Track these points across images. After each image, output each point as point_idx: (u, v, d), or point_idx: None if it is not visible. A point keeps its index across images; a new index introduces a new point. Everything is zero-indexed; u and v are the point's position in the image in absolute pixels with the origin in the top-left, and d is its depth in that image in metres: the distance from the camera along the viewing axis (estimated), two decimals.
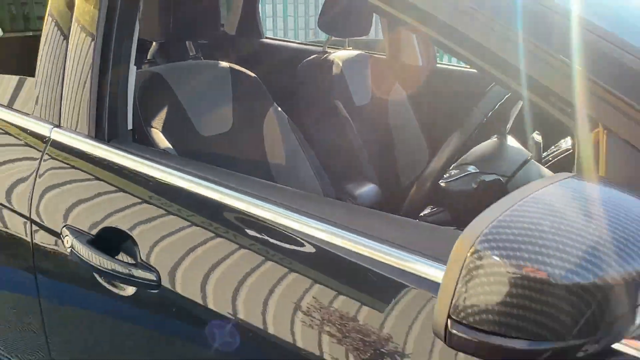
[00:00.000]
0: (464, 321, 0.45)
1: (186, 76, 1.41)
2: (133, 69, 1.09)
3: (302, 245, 0.74)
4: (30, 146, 1.10)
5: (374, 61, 2.11)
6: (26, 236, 1.06)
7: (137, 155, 0.97)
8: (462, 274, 0.45)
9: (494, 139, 1.25)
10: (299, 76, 1.97)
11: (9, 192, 1.10)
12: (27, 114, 1.13)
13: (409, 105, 2.10)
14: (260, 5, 2.66)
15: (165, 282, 0.85)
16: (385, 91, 2.10)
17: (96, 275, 0.93)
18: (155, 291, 0.86)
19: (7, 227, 1.11)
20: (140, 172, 0.95)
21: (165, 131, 1.26)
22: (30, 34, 5.62)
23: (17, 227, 1.08)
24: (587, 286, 0.43)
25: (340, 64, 1.95)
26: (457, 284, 0.45)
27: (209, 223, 0.85)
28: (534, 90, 0.64)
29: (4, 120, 1.18)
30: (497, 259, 0.44)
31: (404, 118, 2.08)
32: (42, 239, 1.03)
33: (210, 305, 0.81)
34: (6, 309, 1.21)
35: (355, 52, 2.06)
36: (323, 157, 1.67)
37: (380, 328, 0.65)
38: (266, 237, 0.78)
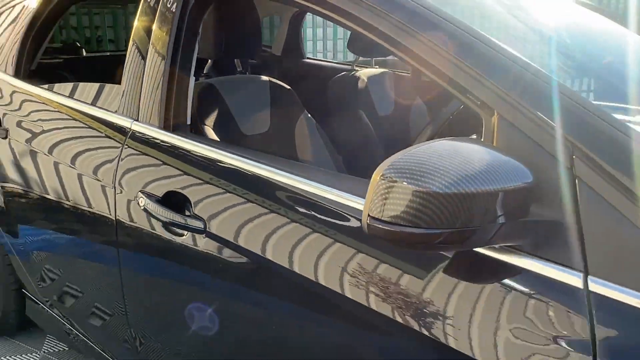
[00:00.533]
0: (379, 218, 0.75)
1: (233, 87, 1.77)
2: (192, 80, 1.45)
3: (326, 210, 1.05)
4: (116, 133, 1.48)
5: (397, 78, 2.43)
6: (110, 201, 1.43)
7: (193, 142, 1.32)
8: (379, 189, 0.75)
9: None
10: (329, 90, 2.31)
11: (98, 167, 1.48)
12: (111, 111, 1.52)
13: (428, 115, 2.40)
14: (302, 29, 3.04)
15: (209, 229, 1.19)
16: (407, 103, 2.41)
17: (161, 225, 1.29)
18: (203, 235, 1.20)
19: (95, 196, 1.49)
20: (194, 153, 1.30)
21: (215, 128, 1.61)
22: (108, 53, 6.25)
23: (104, 194, 1.46)
24: (460, 194, 0.72)
25: (365, 80, 2.28)
26: (374, 196, 0.76)
27: (241, 189, 1.18)
28: (460, 91, 0.94)
29: (94, 116, 1.57)
30: (401, 179, 0.74)
31: (422, 126, 2.37)
32: (122, 202, 1.40)
33: (242, 243, 1.14)
34: (91, 255, 1.60)
35: (380, 70, 2.38)
36: (347, 157, 1.99)
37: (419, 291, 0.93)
38: (289, 201, 1.10)
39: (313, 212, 1.06)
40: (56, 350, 2.24)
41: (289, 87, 1.89)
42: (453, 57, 0.93)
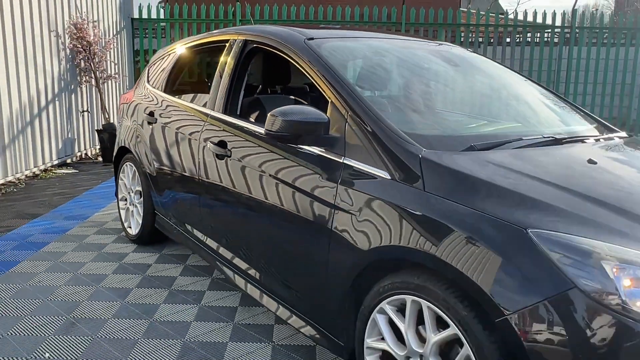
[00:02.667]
0: (269, 130, 2.16)
1: (270, 100, 3.25)
2: (242, 92, 2.95)
3: None
4: (203, 116, 3.02)
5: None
6: (196, 150, 2.97)
7: (233, 119, 2.80)
8: (270, 119, 2.16)
9: None
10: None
11: (193, 133, 3.04)
12: (202, 106, 3.07)
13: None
14: None
15: (231, 155, 2.67)
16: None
17: (214, 155, 2.79)
18: (230, 158, 2.68)
19: (190, 148, 3.05)
20: (233, 124, 2.78)
21: (256, 121, 3.09)
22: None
23: (195, 146, 3.00)
24: (297, 121, 2.11)
25: None
26: (267, 122, 2.17)
27: (244, 139, 2.63)
28: (340, 102, 2.32)
29: (195, 109, 3.14)
30: (277, 115, 2.14)
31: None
32: (201, 147, 2.93)
33: (238, 160, 2.60)
34: (188, 185, 3.17)
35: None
36: None
37: None
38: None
39: (254, 138, 2.48)
40: (174, 251, 3.83)
41: (302, 101, 3.33)
42: (332, 88, 2.33)
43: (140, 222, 3.85)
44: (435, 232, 1.69)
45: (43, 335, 2.63)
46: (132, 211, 4.00)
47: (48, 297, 3.07)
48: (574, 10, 11.55)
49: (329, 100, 2.26)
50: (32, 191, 5.66)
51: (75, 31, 7.28)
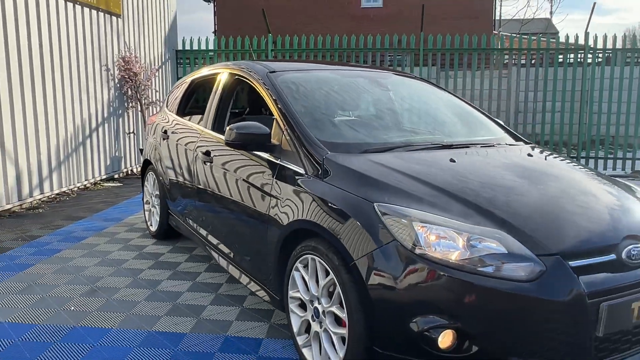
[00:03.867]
0: (228, 140, 2.94)
1: (256, 120, 4.04)
2: (229, 114, 3.77)
3: None
4: (197, 132, 3.85)
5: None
6: (192, 158, 3.80)
7: (217, 134, 3.62)
8: (228, 132, 2.94)
9: None
10: None
11: (189, 143, 3.87)
12: (198, 124, 3.91)
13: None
14: None
15: (213, 162, 3.47)
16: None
17: (202, 161, 3.62)
18: (212, 163, 3.50)
19: (188, 157, 3.89)
20: (215, 137, 3.60)
21: None
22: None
23: (191, 156, 3.84)
24: (246, 134, 2.89)
25: None
26: (226, 134, 2.95)
27: (220, 148, 3.44)
28: (280, 118, 3.10)
29: (194, 127, 3.98)
30: (233, 129, 2.92)
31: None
32: (195, 155, 3.76)
33: (215, 166, 3.40)
34: (189, 187, 4.00)
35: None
36: None
37: None
38: None
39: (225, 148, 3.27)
40: (185, 244, 4.68)
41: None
42: (277, 108, 3.12)
43: (158, 220, 4.72)
44: (323, 209, 2.42)
45: (72, 297, 3.49)
46: (153, 212, 4.88)
47: (80, 273, 3.95)
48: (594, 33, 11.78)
49: (274, 118, 3.03)
50: (81, 200, 6.69)
51: (123, 64, 8.42)
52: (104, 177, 8.03)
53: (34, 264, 4.15)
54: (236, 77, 3.71)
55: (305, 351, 2.59)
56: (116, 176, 8.51)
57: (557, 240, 2.10)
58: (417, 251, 2.08)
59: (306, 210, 2.52)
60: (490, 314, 2.01)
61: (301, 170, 2.69)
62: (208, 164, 3.54)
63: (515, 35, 10.46)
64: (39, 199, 6.44)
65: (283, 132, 2.91)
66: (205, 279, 3.84)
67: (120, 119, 8.61)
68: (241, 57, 10.81)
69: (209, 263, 4.20)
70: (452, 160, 2.66)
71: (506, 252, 2.05)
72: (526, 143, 3.38)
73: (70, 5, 7.07)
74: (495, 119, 3.65)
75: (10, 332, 2.97)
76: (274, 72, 3.40)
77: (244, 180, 3.08)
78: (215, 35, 19.58)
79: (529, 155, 2.99)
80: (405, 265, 2.09)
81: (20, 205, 6.10)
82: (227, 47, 10.70)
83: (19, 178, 6.04)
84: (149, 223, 4.97)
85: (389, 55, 10.41)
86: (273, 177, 2.83)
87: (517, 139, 3.45)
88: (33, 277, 3.84)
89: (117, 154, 8.46)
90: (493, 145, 3.13)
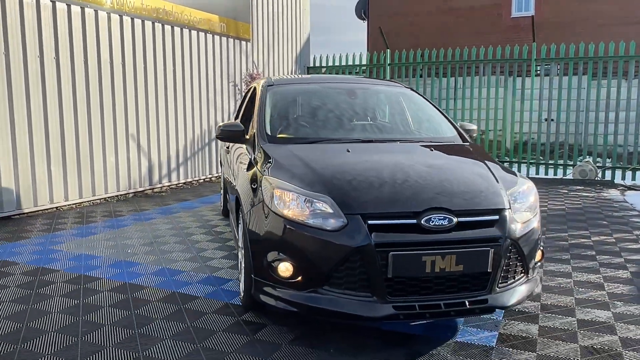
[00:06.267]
0: (217, 135, 4.09)
1: None
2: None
3: None
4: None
5: None
6: (231, 159, 5.03)
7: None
8: (218, 129, 4.10)
9: None
10: None
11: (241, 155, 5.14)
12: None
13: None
14: None
15: (230, 151, 4.66)
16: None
17: (229, 154, 4.83)
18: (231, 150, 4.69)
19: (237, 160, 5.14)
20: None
21: None
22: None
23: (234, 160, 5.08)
24: (230, 130, 4.03)
25: None
26: (217, 131, 4.11)
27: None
28: (254, 120, 4.19)
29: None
30: (220, 127, 4.07)
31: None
32: (230, 157, 4.99)
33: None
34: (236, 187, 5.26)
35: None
36: None
37: None
38: None
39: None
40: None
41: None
42: (255, 112, 4.22)
43: (222, 204, 6.09)
44: (244, 179, 3.45)
45: (142, 245, 4.97)
46: (222, 199, 6.26)
47: (154, 232, 5.45)
48: None
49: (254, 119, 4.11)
50: (196, 189, 8.43)
51: (250, 80, 10.12)
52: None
53: (131, 224, 5.78)
54: (255, 90, 4.85)
55: (240, 277, 3.62)
56: None
57: (363, 205, 2.84)
58: (272, 208, 3.00)
59: (242, 180, 3.57)
60: (310, 253, 2.85)
61: (252, 156, 3.74)
62: (229, 155, 4.75)
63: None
64: (167, 186, 8.32)
65: (254, 130, 3.97)
66: (230, 239, 5.05)
67: None
68: (362, 71, 11.95)
69: None
70: (348, 150, 3.48)
71: (330, 211, 2.86)
72: (465, 141, 3.98)
73: (202, 35, 8.92)
74: (454, 124, 4.23)
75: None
76: (272, 85, 4.47)
77: (240, 162, 4.15)
78: (367, 51, 20.96)
79: (431, 149, 3.63)
80: (265, 217, 3.03)
81: (152, 189, 8.01)
82: (353, 62, 11.90)
83: (151, 169, 7.95)
84: (221, 207, 6.38)
85: (537, 65, 10.52)
86: (251, 159, 3.87)
87: (463, 140, 4.03)
88: (125, 232, 5.44)
89: None
90: (414, 142, 3.82)
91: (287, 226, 2.91)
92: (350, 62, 11.96)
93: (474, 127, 4.34)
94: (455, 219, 2.83)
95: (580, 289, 3.86)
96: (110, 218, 6.15)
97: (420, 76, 11.63)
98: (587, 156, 10.04)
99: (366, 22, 21.60)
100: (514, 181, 3.29)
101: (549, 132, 10.11)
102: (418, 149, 3.68)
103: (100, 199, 7.16)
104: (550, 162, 10.37)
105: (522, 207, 3.13)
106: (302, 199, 2.95)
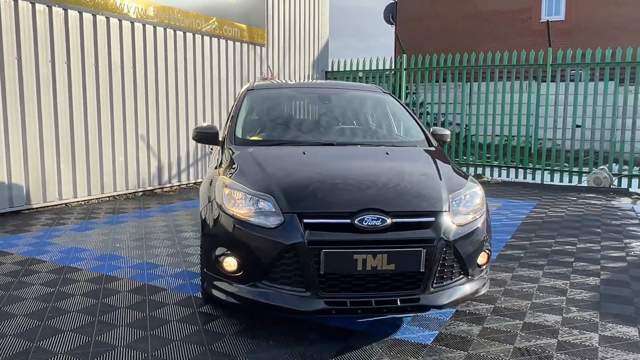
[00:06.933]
0: (194, 137, 4.30)
1: None
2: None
3: None
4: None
5: None
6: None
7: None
8: (194, 131, 4.31)
9: None
10: None
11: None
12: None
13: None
14: None
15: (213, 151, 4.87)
16: None
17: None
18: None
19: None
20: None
21: None
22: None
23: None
24: (205, 132, 4.23)
25: None
26: (193, 133, 4.32)
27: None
28: (228, 122, 4.38)
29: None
30: (196, 130, 4.28)
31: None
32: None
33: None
34: None
35: None
36: None
37: None
38: None
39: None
40: None
41: None
42: (230, 115, 4.40)
43: None
44: (207, 176, 3.65)
45: (132, 239, 5.23)
46: None
47: (148, 228, 5.71)
48: None
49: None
50: None
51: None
52: None
53: (128, 221, 6.07)
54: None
55: None
56: None
57: (300, 204, 2.98)
58: (221, 205, 3.17)
59: (205, 179, 3.77)
60: (251, 249, 3.01)
61: (221, 156, 3.93)
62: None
63: None
64: (177, 186, 8.63)
65: (225, 131, 4.17)
66: None
67: None
68: (379, 76, 12.09)
69: None
70: (304, 153, 3.62)
71: (272, 210, 3.02)
72: (430, 145, 4.07)
73: (215, 40, 9.20)
74: (424, 129, 4.31)
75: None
76: (252, 90, 4.66)
77: (211, 163, 4.39)
78: (395, 55, 20.98)
79: (387, 153, 3.73)
80: (216, 214, 3.20)
81: (161, 188, 8.33)
82: (370, 67, 12.01)
83: (160, 169, 8.26)
84: None
85: (569, 70, 10.40)
86: (218, 160, 4.08)
87: (430, 144, 4.12)
88: (120, 228, 5.72)
89: None
90: (375, 146, 3.93)
91: (233, 223, 3.08)
92: (367, 67, 12.08)
93: (447, 131, 4.42)
94: (389, 220, 2.94)
95: (541, 294, 3.88)
96: (112, 215, 6.47)
97: (436, 81, 11.63)
98: (603, 164, 9.85)
99: (394, 26, 21.64)
100: (461, 184, 3.37)
101: (573, 138, 9.95)
102: (374, 152, 3.79)
103: (108, 197, 7.51)
104: (565, 168, 10.21)
105: (465, 210, 3.21)
106: (249, 198, 3.11)
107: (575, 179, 10.11)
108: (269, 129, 4.23)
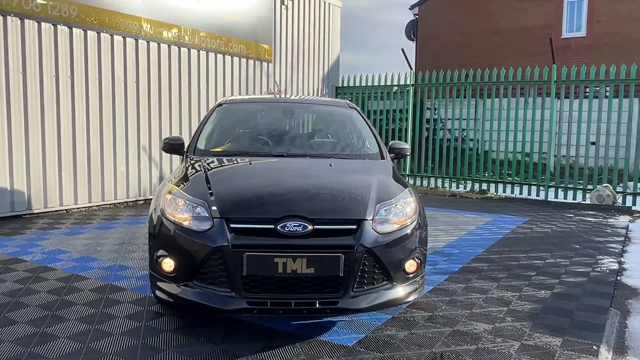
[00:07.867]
0: (164, 148, 4.58)
1: None
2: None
3: None
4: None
5: None
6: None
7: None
8: (164, 142, 4.58)
9: None
10: None
11: None
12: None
13: None
14: None
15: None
16: None
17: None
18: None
19: None
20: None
21: None
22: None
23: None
24: (175, 143, 4.51)
25: None
26: (162, 143, 4.60)
27: None
28: (195, 134, 4.64)
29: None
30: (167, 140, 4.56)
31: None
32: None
33: None
34: None
35: None
36: None
37: None
38: None
39: None
40: None
41: None
42: (197, 128, 4.67)
43: None
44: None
45: (107, 244, 5.53)
46: None
47: (134, 235, 6.00)
48: None
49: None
50: None
51: None
52: None
53: (118, 227, 6.39)
54: None
55: None
56: None
57: (229, 210, 3.19)
58: (164, 210, 3.42)
59: (160, 186, 4.03)
60: (184, 251, 3.23)
61: (184, 165, 4.20)
62: None
63: None
64: None
65: (193, 143, 4.43)
66: None
67: None
68: (387, 92, 12.32)
69: None
70: (250, 163, 3.85)
71: (205, 215, 3.24)
72: (383, 158, 4.24)
73: (220, 56, 9.57)
74: (380, 142, 4.48)
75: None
76: (222, 104, 4.91)
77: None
78: (412, 71, 21.10)
79: (330, 165, 3.91)
80: (158, 219, 3.44)
81: None
82: (379, 83, 12.20)
83: (162, 179, 8.61)
84: None
85: (593, 86, 10.35)
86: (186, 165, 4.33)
87: (382, 157, 4.29)
88: (107, 234, 6.04)
89: None
90: (324, 157, 4.12)
91: (170, 227, 3.31)
92: (376, 83, 12.26)
93: (406, 145, 4.57)
94: (310, 226, 3.12)
95: (484, 304, 3.97)
96: (106, 221, 6.81)
97: (443, 97, 11.71)
98: (618, 182, 9.76)
99: (415, 42, 21.78)
100: (393, 194, 3.52)
101: (587, 155, 9.86)
102: (318, 164, 3.97)
103: (109, 204, 7.89)
104: (570, 185, 10.13)
105: (395, 219, 3.36)
106: (187, 204, 3.34)
107: (579, 196, 10.02)
108: (229, 142, 4.47)
